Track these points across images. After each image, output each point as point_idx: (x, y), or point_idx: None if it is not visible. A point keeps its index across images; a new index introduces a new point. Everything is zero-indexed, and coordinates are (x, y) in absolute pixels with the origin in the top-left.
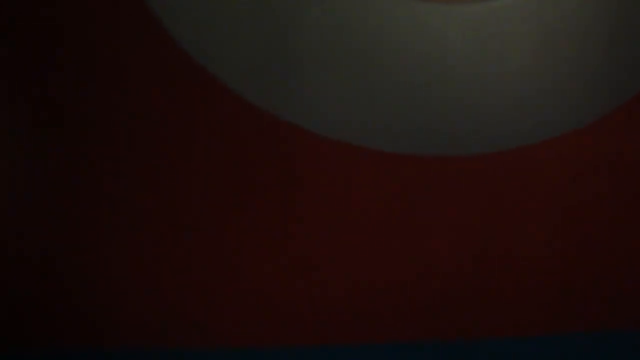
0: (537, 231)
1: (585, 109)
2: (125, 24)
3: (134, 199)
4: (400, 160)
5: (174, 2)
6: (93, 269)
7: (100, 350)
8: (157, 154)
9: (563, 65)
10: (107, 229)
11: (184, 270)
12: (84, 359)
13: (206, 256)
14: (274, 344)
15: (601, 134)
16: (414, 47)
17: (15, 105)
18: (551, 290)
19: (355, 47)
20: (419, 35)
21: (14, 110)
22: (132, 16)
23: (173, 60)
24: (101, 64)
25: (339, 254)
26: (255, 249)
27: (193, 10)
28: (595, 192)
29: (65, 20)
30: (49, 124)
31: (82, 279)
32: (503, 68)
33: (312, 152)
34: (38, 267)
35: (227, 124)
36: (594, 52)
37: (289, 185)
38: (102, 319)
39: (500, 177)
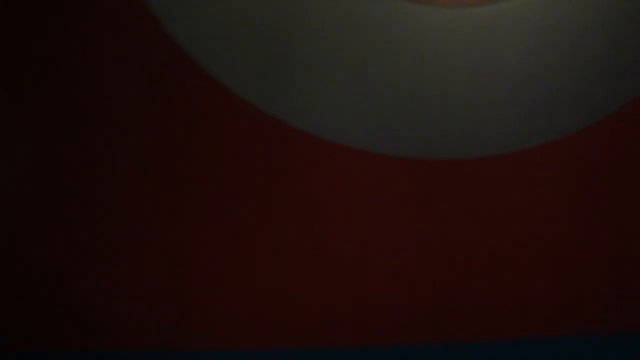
0: (537, 233)
1: (585, 111)
2: (124, 25)
3: (134, 197)
4: (400, 163)
5: (173, 3)
6: (90, 271)
7: (98, 353)
8: (155, 153)
9: (564, 68)
10: (103, 229)
11: (180, 272)
12: None
13: (203, 257)
14: (272, 346)
15: (602, 135)
16: (416, 50)
17: (14, 105)
18: (553, 292)
19: (356, 50)
20: (421, 38)
21: (14, 110)
22: (132, 17)
23: (173, 61)
24: (100, 64)
25: (337, 255)
26: (252, 250)
27: (193, 12)
28: (595, 193)
29: (65, 18)
30: (49, 123)
31: (81, 281)
32: (505, 71)
33: (311, 154)
34: (36, 270)
35: (225, 124)
36: (595, 55)
37: (287, 186)
38: (99, 322)
39: (500, 180)
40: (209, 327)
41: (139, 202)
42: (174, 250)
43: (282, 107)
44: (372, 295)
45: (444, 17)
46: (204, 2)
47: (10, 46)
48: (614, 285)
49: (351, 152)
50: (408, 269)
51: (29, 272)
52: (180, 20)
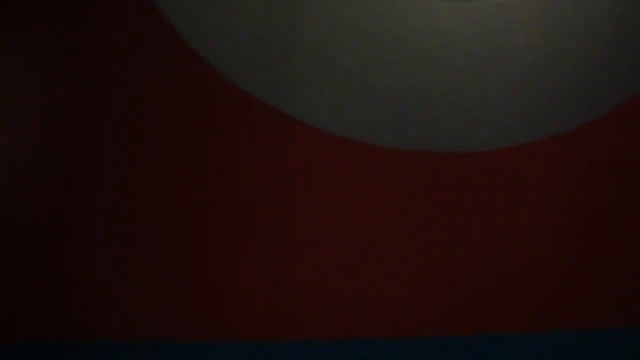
0: (540, 226)
1: (587, 107)
2: (126, 20)
3: (136, 195)
4: (401, 156)
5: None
6: (93, 267)
7: (100, 344)
8: (158, 150)
9: (566, 64)
10: (105, 227)
11: (182, 266)
12: (85, 352)
13: (206, 253)
14: (280, 340)
15: (603, 130)
16: (418, 44)
17: (20, 104)
18: (551, 288)
19: (360, 43)
20: (425, 32)
21: (19, 109)
22: (139, 13)
23: (177, 55)
24: (102, 61)
25: (341, 248)
26: (255, 246)
27: (197, 6)
28: (597, 187)
29: (66, 17)
30: (51, 121)
31: (83, 276)
32: (506, 67)
33: (316, 147)
34: (42, 264)
35: (228, 118)
36: (596, 51)
37: (290, 180)
38: (102, 315)
39: (503, 174)
40: (207, 321)
41: (140, 198)
42: (172, 245)
43: (286, 100)
44: (374, 287)
45: (446, 11)
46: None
47: (12, 45)
48: (617, 279)
49: (357, 145)
50: (411, 261)
51: (30, 268)
52: (184, 15)
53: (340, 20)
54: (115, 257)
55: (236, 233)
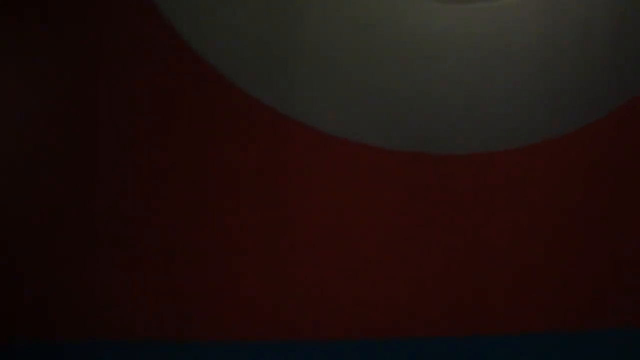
0: (536, 228)
1: (587, 109)
2: (129, 21)
3: (136, 195)
4: (401, 157)
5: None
6: (93, 267)
7: (100, 344)
8: (158, 150)
9: (565, 66)
10: (105, 227)
11: (181, 266)
12: (85, 352)
13: (206, 253)
14: (280, 340)
15: (603, 133)
16: (418, 43)
17: (19, 103)
18: (551, 288)
19: (359, 44)
20: (425, 32)
21: (19, 109)
22: (139, 13)
23: (177, 55)
24: (101, 61)
25: (340, 250)
26: (255, 246)
27: (197, 6)
28: (597, 189)
29: (72, 19)
30: (51, 121)
31: (83, 276)
32: (507, 68)
33: (313, 147)
34: (42, 264)
35: (228, 117)
36: (596, 53)
37: (290, 180)
38: (101, 314)
39: (503, 176)
40: (203, 320)
41: (140, 198)
42: (172, 246)
43: (286, 101)
44: (373, 288)
45: (446, 12)
46: (213, 2)
47: (12, 45)
48: (617, 279)
49: (356, 145)
50: (411, 261)
51: (30, 268)
52: (184, 15)
53: (340, 20)
54: (115, 257)
55: (236, 233)
